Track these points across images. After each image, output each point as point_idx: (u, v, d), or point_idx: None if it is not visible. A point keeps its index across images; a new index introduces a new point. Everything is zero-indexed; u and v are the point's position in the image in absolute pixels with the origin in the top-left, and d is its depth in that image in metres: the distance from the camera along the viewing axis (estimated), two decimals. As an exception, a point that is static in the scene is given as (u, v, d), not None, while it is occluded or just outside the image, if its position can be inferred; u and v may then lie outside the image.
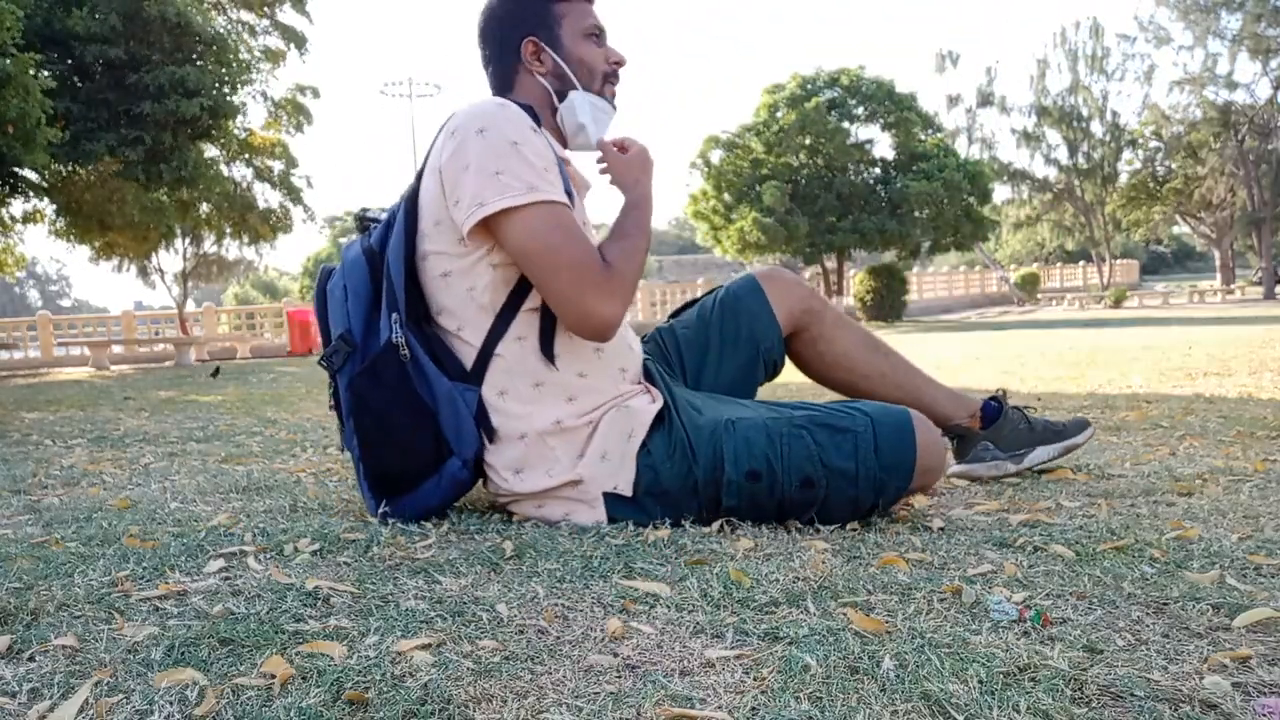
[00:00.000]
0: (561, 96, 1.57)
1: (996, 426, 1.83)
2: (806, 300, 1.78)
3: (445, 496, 1.53)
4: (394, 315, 1.47)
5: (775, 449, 1.44)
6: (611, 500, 1.47)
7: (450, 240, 1.46)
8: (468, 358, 1.50)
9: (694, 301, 1.84)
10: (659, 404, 1.51)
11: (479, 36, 1.62)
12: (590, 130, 1.58)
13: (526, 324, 1.48)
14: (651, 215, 1.58)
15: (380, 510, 1.52)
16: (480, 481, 1.58)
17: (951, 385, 1.90)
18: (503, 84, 1.60)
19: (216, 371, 8.63)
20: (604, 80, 1.60)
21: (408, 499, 1.52)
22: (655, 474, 1.46)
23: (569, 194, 1.46)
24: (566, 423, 1.48)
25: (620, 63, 1.62)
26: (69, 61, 11.86)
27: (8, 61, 7.97)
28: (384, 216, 1.58)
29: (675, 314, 1.87)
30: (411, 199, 1.51)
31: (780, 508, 1.46)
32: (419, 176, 1.53)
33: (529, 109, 1.49)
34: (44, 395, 6.37)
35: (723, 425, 1.48)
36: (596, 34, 1.59)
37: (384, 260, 1.51)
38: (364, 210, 1.64)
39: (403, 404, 1.47)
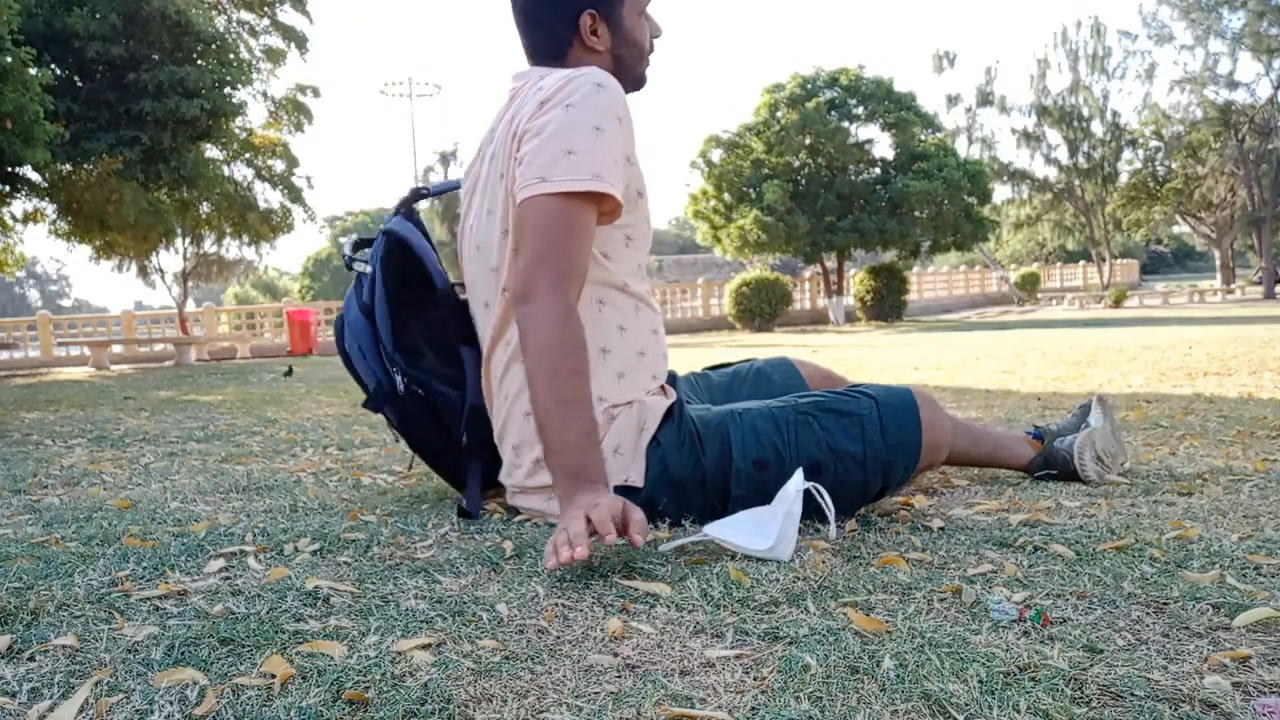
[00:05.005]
0: (616, 76, 1.50)
1: (1048, 431, 1.84)
2: (831, 375, 1.90)
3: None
4: (395, 369, 1.67)
5: (783, 436, 1.46)
6: (623, 493, 1.47)
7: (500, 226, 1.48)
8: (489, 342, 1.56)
9: (727, 364, 1.92)
10: (671, 399, 1.52)
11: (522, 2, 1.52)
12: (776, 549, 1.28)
13: (583, 310, 1.46)
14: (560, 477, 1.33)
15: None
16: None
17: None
18: (551, 56, 1.52)
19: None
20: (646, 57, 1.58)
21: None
22: (665, 466, 1.46)
23: (639, 187, 1.48)
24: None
25: (658, 35, 1.58)
26: (70, 60, 11.86)
27: (6, 57, 7.97)
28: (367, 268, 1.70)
29: (708, 369, 1.93)
30: (398, 243, 1.67)
31: None
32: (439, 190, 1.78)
33: None
34: (44, 395, 6.37)
35: (730, 416, 1.50)
36: (645, 8, 1.55)
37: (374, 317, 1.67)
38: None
39: (439, 429, 1.70)
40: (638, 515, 1.22)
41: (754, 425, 1.47)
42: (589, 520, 1.19)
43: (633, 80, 1.57)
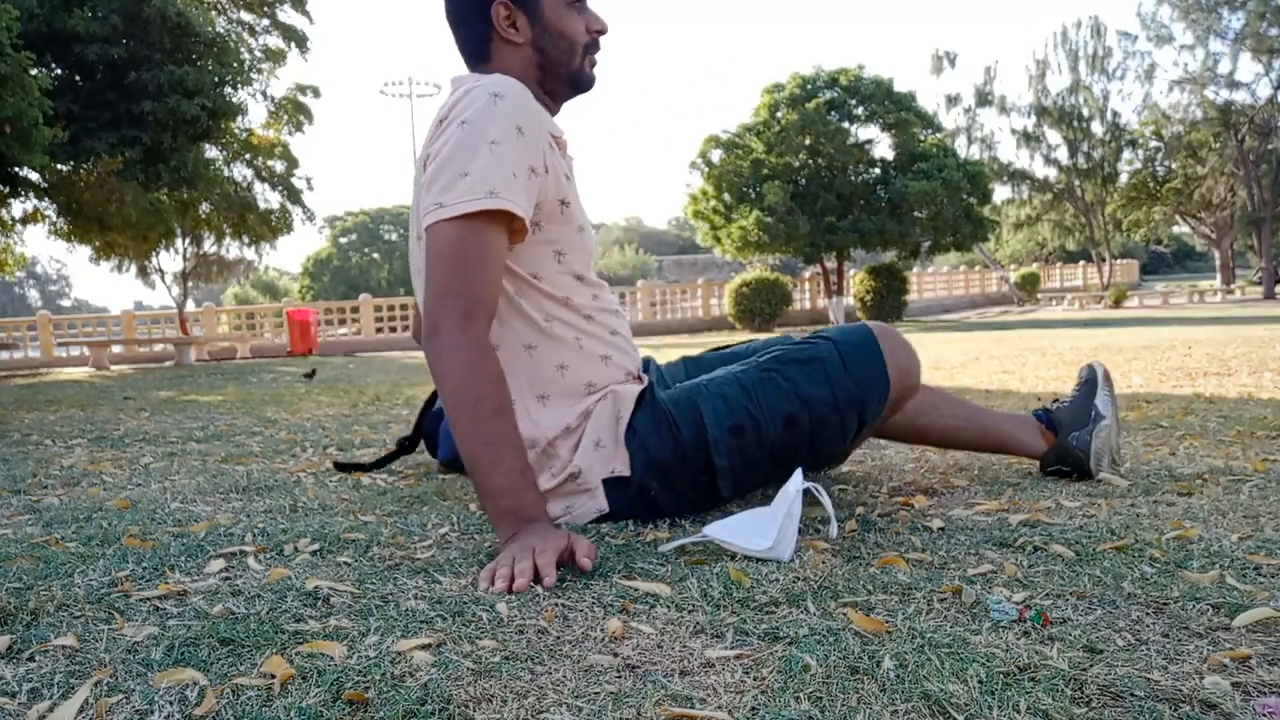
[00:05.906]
0: (545, 70, 1.48)
1: (1060, 421, 1.79)
2: None
3: None
4: None
5: (751, 398, 1.46)
6: (611, 484, 1.47)
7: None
8: None
9: (725, 347, 1.90)
10: (643, 385, 1.53)
11: (444, 2, 1.49)
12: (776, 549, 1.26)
13: (530, 330, 1.46)
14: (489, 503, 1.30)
15: None
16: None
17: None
18: (476, 55, 1.47)
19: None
20: (584, 52, 1.49)
21: None
22: (646, 450, 1.46)
23: (567, 178, 1.45)
24: (573, 424, 1.48)
25: (602, 30, 1.50)
26: (70, 60, 11.87)
27: (4, 62, 7.97)
28: None
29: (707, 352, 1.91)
30: None
31: (773, 458, 1.46)
32: None
33: None
34: (44, 395, 6.37)
35: (697, 389, 1.50)
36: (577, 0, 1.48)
37: None
38: None
39: None
40: (584, 544, 1.21)
41: (722, 394, 1.47)
42: (535, 564, 1.15)
43: (568, 78, 1.50)
